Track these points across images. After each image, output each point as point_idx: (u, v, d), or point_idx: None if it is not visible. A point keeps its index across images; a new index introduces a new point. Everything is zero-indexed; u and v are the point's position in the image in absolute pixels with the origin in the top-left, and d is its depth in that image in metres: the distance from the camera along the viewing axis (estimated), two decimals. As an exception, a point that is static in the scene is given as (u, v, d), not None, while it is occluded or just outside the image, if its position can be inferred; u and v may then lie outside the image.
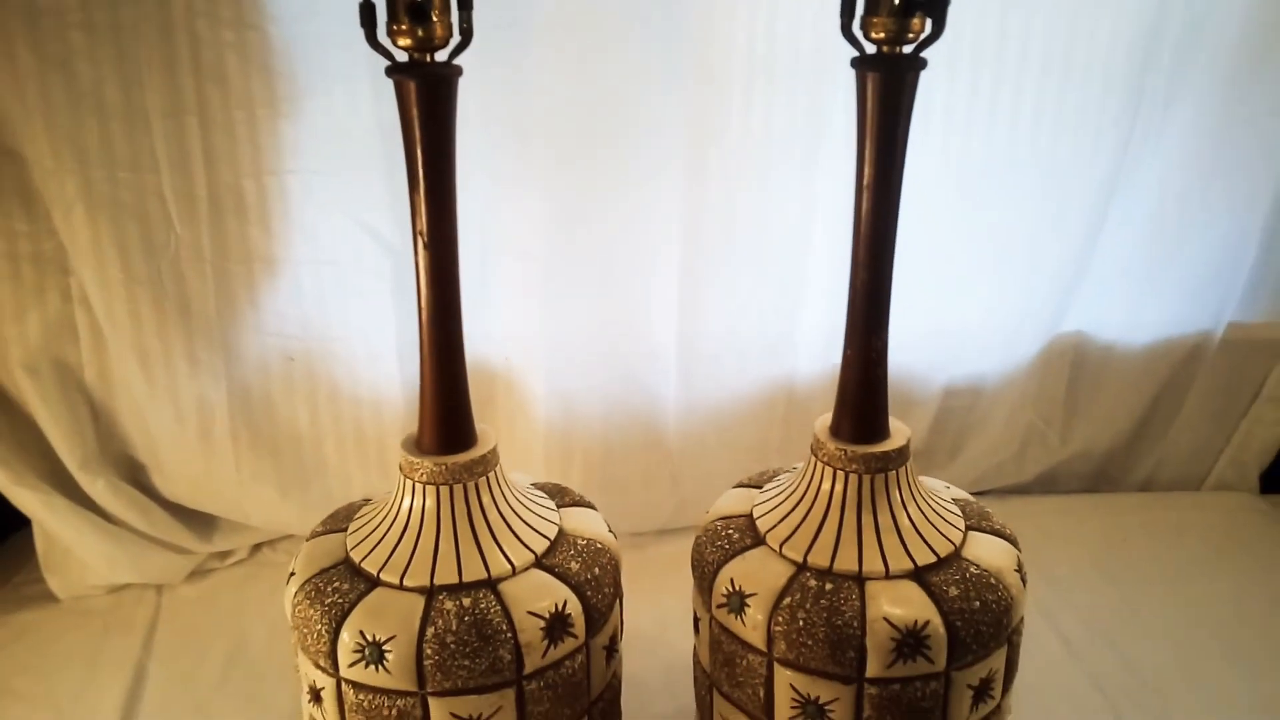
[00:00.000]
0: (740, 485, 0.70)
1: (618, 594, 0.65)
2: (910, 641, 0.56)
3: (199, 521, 1.01)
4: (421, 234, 0.56)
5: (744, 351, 1.01)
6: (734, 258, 0.97)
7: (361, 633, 0.56)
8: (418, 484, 0.60)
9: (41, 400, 0.91)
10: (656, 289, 0.97)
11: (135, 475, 0.99)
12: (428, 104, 0.53)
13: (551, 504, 0.67)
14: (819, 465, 0.62)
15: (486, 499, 0.61)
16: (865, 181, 0.56)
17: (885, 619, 0.56)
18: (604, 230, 0.94)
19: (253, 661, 0.89)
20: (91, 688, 0.85)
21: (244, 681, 0.87)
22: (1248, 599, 0.97)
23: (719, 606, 0.61)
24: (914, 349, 1.03)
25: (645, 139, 0.91)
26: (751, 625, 0.59)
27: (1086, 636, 0.92)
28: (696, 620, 0.67)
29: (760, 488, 0.68)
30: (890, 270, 0.58)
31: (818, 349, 1.01)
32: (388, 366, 0.97)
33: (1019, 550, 0.63)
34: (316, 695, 0.59)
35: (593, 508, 0.69)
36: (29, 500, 0.92)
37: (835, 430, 0.63)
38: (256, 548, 1.05)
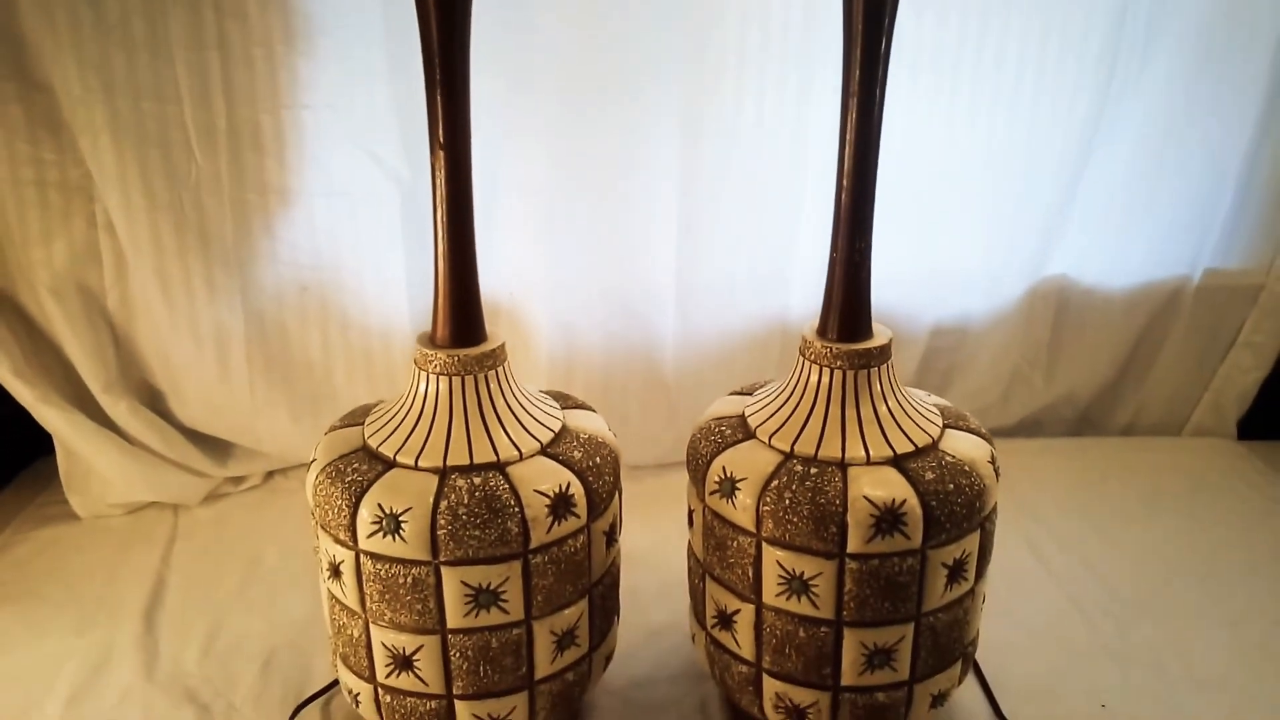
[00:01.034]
0: (733, 393, 0.75)
1: (617, 486, 0.69)
2: (888, 518, 0.60)
3: (215, 447, 1.06)
4: (438, 135, 0.60)
5: (739, 288, 1.06)
6: (729, 198, 1.01)
7: (379, 505, 0.60)
8: (431, 375, 0.64)
9: (67, 323, 0.96)
10: (655, 227, 1.01)
11: (154, 402, 1.03)
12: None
13: (556, 405, 0.71)
14: (806, 364, 0.67)
15: (495, 391, 0.65)
16: (851, 89, 0.60)
17: (865, 497, 0.61)
18: (604, 171, 0.99)
19: (267, 575, 0.93)
20: (113, 594, 0.90)
21: (260, 592, 0.91)
22: (1221, 531, 1.01)
23: (711, 493, 0.66)
24: (902, 289, 1.07)
25: (645, 84, 0.95)
26: (741, 508, 0.63)
27: (1065, 562, 0.96)
28: (691, 514, 0.71)
29: (751, 394, 0.73)
30: (874, 175, 0.62)
31: (811, 287, 1.05)
32: (396, 298, 1.01)
33: (993, 448, 0.68)
34: (336, 570, 0.63)
35: (594, 411, 0.73)
36: (53, 418, 0.96)
37: (821, 330, 0.67)
38: (269, 475, 1.09)
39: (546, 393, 0.74)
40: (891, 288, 1.04)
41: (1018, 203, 1.06)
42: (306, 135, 0.93)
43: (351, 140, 0.94)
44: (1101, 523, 1.03)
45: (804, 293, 1.05)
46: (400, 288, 1.01)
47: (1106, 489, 1.10)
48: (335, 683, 0.77)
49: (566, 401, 0.73)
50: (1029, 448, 1.17)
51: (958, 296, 1.10)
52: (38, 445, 1.05)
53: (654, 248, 1.02)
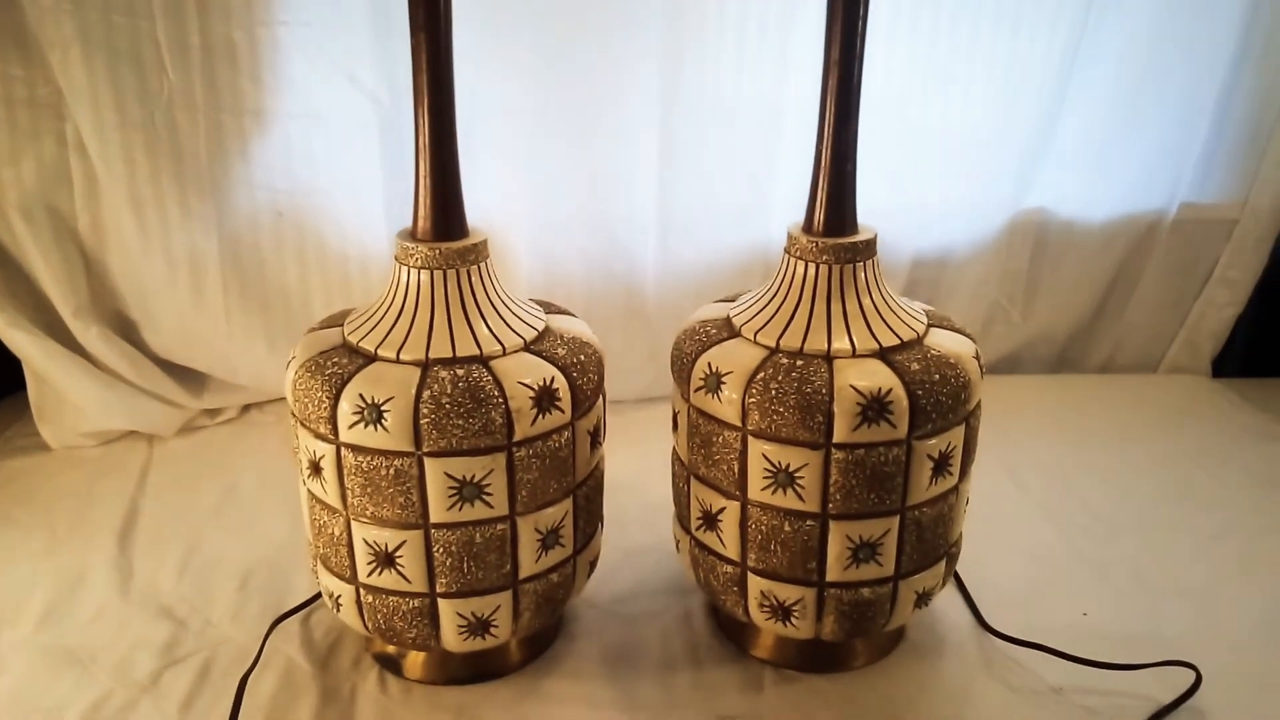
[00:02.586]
0: (718, 301, 0.74)
1: (601, 387, 0.68)
2: (874, 406, 0.60)
3: (189, 378, 1.04)
4: (418, 17, 0.59)
5: (720, 219, 1.05)
6: (711, 127, 1.00)
7: (361, 395, 0.59)
8: (413, 269, 0.63)
9: (36, 246, 0.93)
10: (637, 156, 1.01)
11: (127, 332, 1.01)
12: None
13: (539, 309, 0.70)
14: (791, 261, 0.66)
15: (478, 286, 0.64)
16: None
17: (852, 386, 0.60)
18: (587, 99, 0.97)
19: (245, 501, 0.92)
20: (87, 519, 0.88)
21: (235, 516, 0.90)
22: (1197, 456, 1.03)
23: (696, 390, 0.65)
24: (883, 220, 1.06)
25: (628, 11, 0.94)
26: (727, 402, 0.63)
27: (1043, 483, 0.97)
28: (675, 417, 0.70)
29: (734, 301, 0.72)
30: (860, 68, 0.62)
31: (792, 217, 1.04)
32: (374, 223, 0.99)
33: (978, 346, 0.68)
34: (316, 467, 0.62)
35: (576, 317, 0.73)
36: (23, 343, 0.94)
37: (807, 226, 0.67)
38: (245, 408, 1.07)
39: (530, 299, 0.73)
40: (873, 219, 1.04)
41: (997, 134, 1.06)
42: (282, 54, 0.92)
43: (329, 60, 0.93)
44: (1079, 450, 1.03)
45: (784, 223, 1.04)
46: (379, 214, 0.99)
47: (1084, 420, 1.11)
48: (315, 597, 0.76)
49: (550, 308, 0.72)
50: (1008, 382, 1.18)
51: (938, 227, 1.10)
52: (7, 383, 1.03)
53: (636, 177, 1.02)
